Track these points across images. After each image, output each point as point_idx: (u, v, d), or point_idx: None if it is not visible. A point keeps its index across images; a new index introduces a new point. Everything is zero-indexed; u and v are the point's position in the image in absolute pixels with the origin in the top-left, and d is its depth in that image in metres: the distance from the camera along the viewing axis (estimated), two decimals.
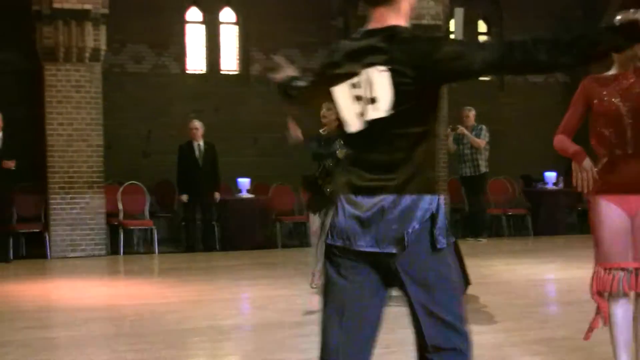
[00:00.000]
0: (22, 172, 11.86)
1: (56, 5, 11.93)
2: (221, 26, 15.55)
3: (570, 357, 5.54)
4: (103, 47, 12.40)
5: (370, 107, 2.81)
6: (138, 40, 14.68)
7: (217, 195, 12.94)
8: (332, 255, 2.94)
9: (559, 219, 14.63)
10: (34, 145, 12.75)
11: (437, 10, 13.69)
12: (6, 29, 13.66)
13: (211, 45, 15.40)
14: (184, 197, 12.82)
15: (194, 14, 15.36)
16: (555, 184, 14.87)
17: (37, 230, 12.35)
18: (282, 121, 8.35)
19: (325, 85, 2.95)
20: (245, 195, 13.24)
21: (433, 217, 2.83)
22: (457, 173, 14.04)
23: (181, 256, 12.51)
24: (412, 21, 2.99)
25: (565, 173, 13.83)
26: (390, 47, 2.79)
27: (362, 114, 2.83)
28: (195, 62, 15.37)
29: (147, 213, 13.14)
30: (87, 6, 12.08)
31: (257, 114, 14.54)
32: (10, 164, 11.42)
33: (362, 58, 2.83)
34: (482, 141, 13.54)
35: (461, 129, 13.56)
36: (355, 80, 2.83)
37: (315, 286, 7.86)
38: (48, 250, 12.11)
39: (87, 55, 12.22)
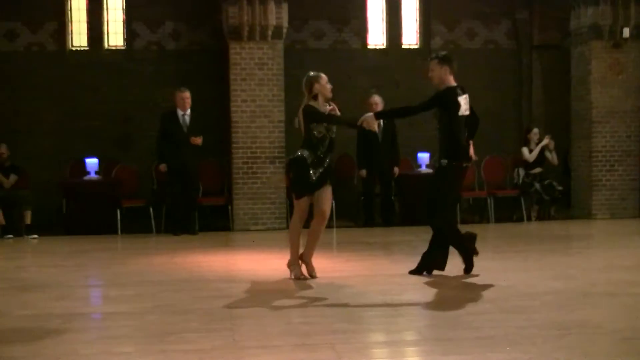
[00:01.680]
0: (208, 148, 12.33)
1: None
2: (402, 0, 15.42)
3: None
4: (285, 24, 12.63)
5: None
6: (319, 16, 14.84)
7: (396, 170, 12.89)
8: None
9: None
10: (219, 122, 13.23)
11: None
12: (196, 10, 14.24)
13: (391, 20, 15.32)
14: (363, 172, 12.86)
15: None
16: None
17: (222, 204, 12.80)
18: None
19: None
20: (424, 170, 13.10)
21: None
22: None
23: (359, 231, 12.57)
24: None
25: None
26: None
27: None
28: (376, 36, 15.34)
29: None
30: None
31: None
32: (198, 141, 11.87)
33: None
34: None
35: None
36: None
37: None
38: (231, 223, 12.54)
39: (270, 33, 12.48)
